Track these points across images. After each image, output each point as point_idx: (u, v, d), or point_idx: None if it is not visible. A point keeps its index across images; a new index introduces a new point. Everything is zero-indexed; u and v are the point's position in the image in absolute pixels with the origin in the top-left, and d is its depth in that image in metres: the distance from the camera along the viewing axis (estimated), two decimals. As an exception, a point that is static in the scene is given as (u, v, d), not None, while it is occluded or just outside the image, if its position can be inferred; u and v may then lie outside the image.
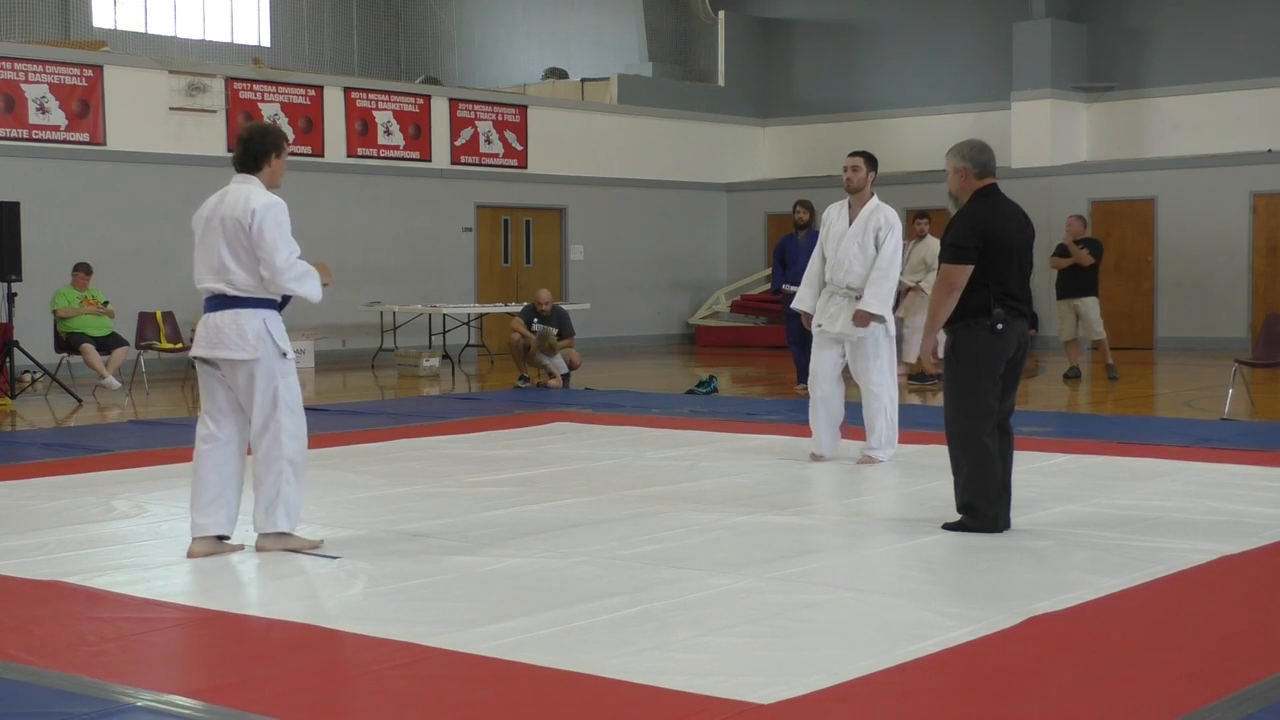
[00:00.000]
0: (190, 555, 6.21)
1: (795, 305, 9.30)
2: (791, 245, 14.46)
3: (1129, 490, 7.79)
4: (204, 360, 6.28)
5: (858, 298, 8.80)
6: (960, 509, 6.59)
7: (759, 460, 9.32)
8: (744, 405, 12.79)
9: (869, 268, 8.80)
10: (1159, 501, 7.40)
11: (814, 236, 14.34)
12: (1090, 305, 15.27)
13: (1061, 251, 15.30)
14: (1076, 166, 20.27)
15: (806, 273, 9.24)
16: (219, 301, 6.23)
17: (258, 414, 6.20)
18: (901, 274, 15.50)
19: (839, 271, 8.89)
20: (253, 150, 6.35)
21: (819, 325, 9.01)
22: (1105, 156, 20.82)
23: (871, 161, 8.97)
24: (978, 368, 6.49)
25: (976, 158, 6.61)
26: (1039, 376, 15.78)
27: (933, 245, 15.65)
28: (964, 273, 6.43)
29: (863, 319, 8.79)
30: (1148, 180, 20.07)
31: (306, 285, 6.24)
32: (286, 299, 6.34)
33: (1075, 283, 15.24)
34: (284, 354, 6.24)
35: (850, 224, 8.89)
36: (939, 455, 9.18)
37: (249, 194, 6.22)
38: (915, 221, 15.78)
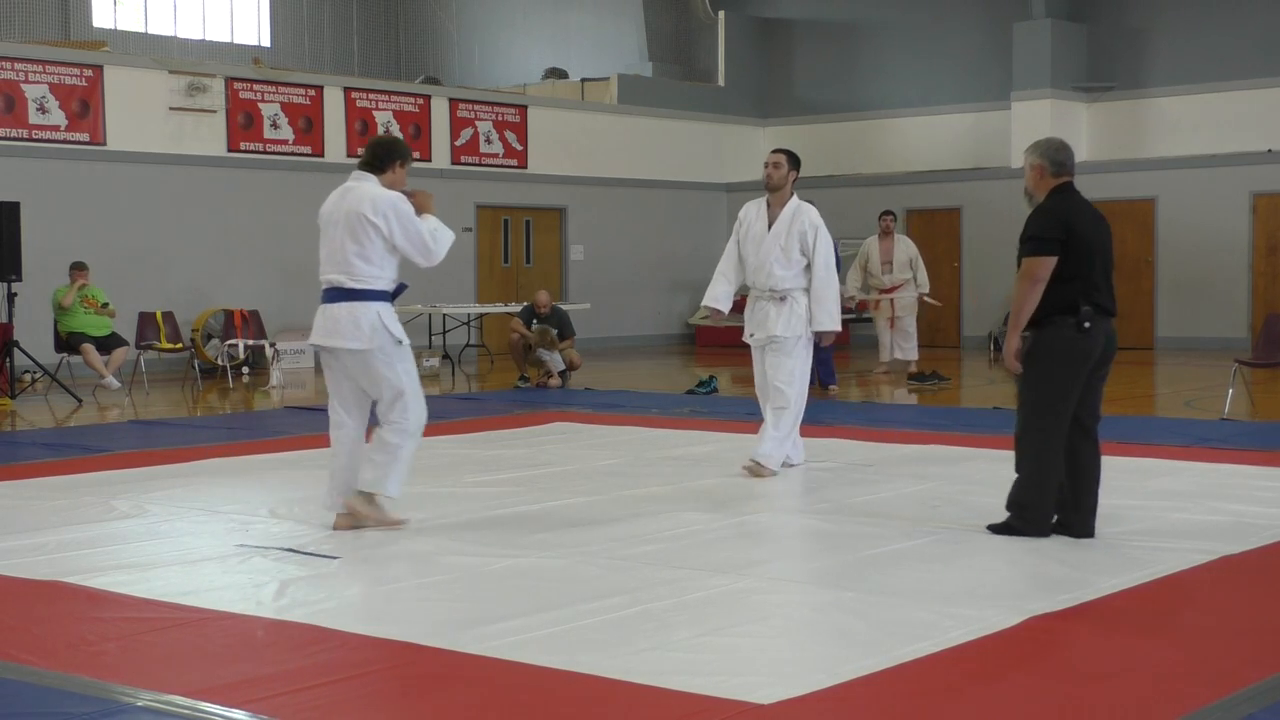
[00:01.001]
0: (336, 528, 6.75)
1: (706, 302, 8.80)
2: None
3: (1129, 490, 7.78)
4: (322, 348, 6.80)
5: (781, 299, 8.46)
6: (1009, 505, 6.43)
7: (759, 460, 9.31)
8: (744, 405, 12.77)
9: (793, 270, 8.44)
10: (1159, 501, 7.40)
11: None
12: None
13: None
14: (1076, 166, 20.23)
15: (720, 266, 8.81)
16: (336, 294, 6.70)
17: (385, 394, 6.72)
18: (887, 275, 15.60)
19: (760, 275, 8.52)
20: (380, 155, 6.90)
21: (751, 335, 8.65)
22: (1105, 156, 20.81)
23: (794, 160, 8.64)
24: (1060, 368, 6.29)
25: (1054, 156, 6.47)
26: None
27: (908, 243, 15.82)
28: (1047, 265, 6.22)
29: (826, 339, 8.62)
30: (1148, 180, 20.06)
31: (445, 240, 6.85)
32: (400, 289, 6.89)
33: None
34: (399, 341, 6.72)
35: (770, 225, 8.52)
36: (938, 456, 9.20)
37: (371, 191, 6.73)
38: (882, 218, 15.89)
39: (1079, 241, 6.29)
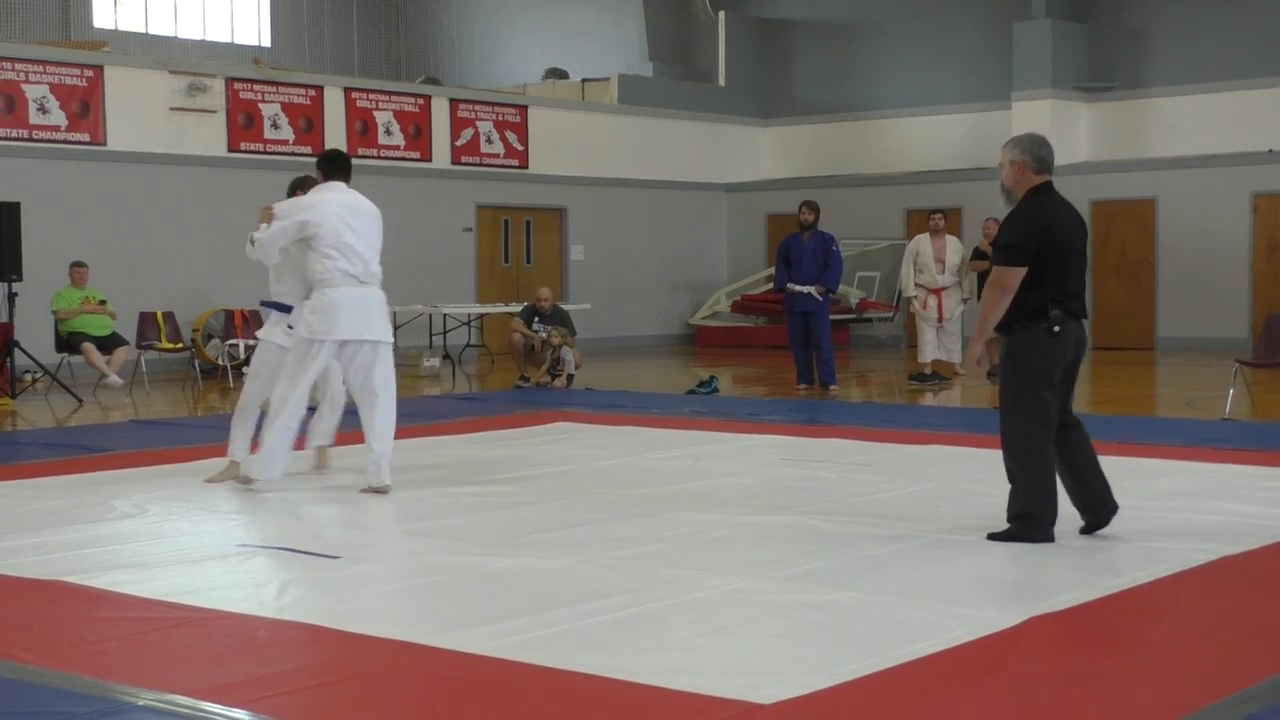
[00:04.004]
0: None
1: None
2: (796, 245, 14.46)
3: (1130, 490, 7.75)
4: None
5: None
6: (1013, 517, 6.36)
7: (760, 460, 9.32)
8: (745, 405, 12.79)
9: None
10: (1160, 501, 7.40)
11: (818, 237, 14.41)
12: None
13: (979, 255, 15.22)
14: (1077, 166, 20.26)
15: None
16: None
17: None
18: (940, 275, 15.30)
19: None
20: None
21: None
22: (1106, 156, 20.82)
23: (320, 165, 8.31)
24: (1035, 372, 6.26)
25: (1036, 152, 6.37)
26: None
27: (959, 245, 15.52)
28: (1017, 275, 6.18)
29: None
30: (1148, 180, 20.06)
31: (258, 248, 8.02)
32: (285, 307, 8.21)
33: None
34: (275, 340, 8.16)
35: None
36: (938, 456, 9.20)
37: None
38: (932, 216, 15.57)
39: (1055, 247, 6.24)
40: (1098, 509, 6.48)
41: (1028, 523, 6.33)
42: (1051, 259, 6.23)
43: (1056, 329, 6.24)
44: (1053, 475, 6.34)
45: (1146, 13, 20.68)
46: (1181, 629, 5.06)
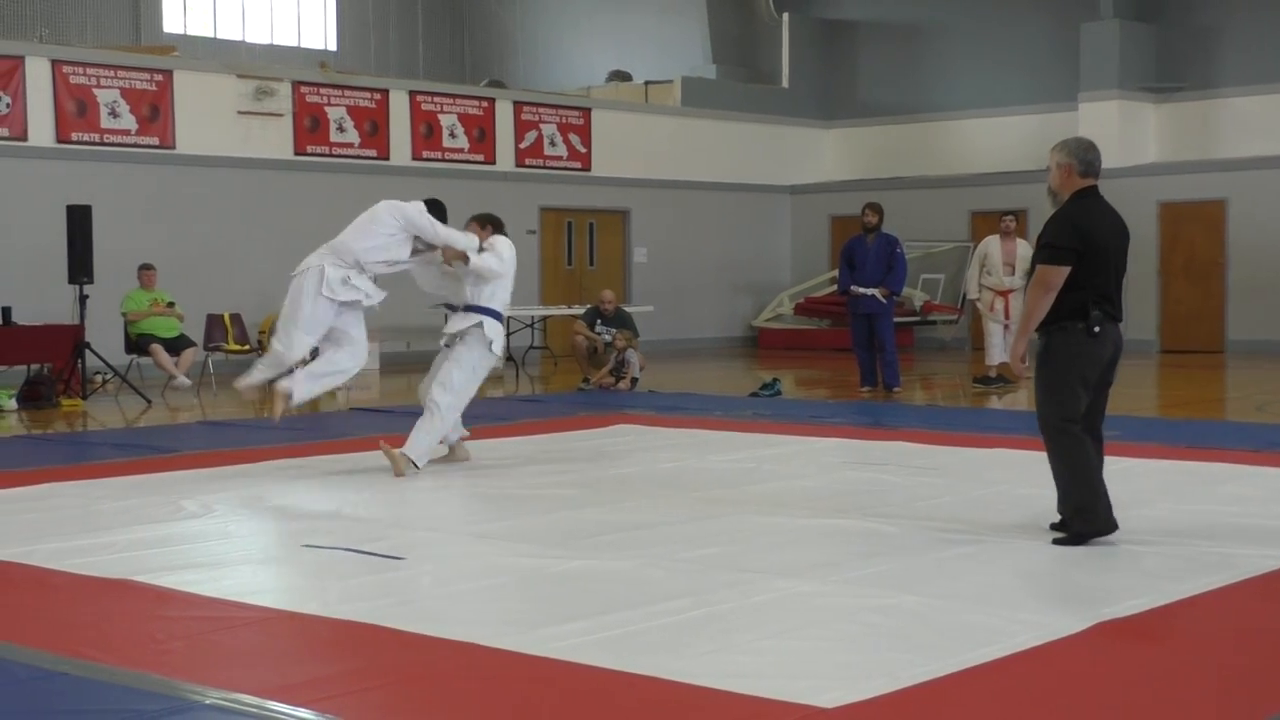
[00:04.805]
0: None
1: None
2: (859, 247, 14.40)
3: (1198, 495, 7.69)
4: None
5: None
6: (1070, 515, 6.39)
7: (823, 463, 9.29)
8: (808, 408, 12.74)
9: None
10: (1229, 506, 7.31)
11: (882, 239, 14.34)
12: None
13: None
14: (1145, 168, 20.04)
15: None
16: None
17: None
18: (1008, 277, 15.17)
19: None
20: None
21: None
22: (1174, 158, 20.57)
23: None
24: (1072, 370, 6.31)
25: (1083, 155, 6.43)
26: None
27: (1029, 248, 15.34)
28: (1060, 274, 6.25)
29: None
30: (1218, 181, 19.81)
31: None
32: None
33: None
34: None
35: None
36: (1003, 460, 9.12)
37: None
38: (1003, 219, 15.40)
39: (1096, 250, 6.30)
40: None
41: (1084, 516, 6.34)
42: (1091, 262, 6.29)
43: (1097, 329, 6.29)
44: (1089, 461, 6.36)
45: (1216, 12, 20.42)
46: (1251, 635, 4.99)
